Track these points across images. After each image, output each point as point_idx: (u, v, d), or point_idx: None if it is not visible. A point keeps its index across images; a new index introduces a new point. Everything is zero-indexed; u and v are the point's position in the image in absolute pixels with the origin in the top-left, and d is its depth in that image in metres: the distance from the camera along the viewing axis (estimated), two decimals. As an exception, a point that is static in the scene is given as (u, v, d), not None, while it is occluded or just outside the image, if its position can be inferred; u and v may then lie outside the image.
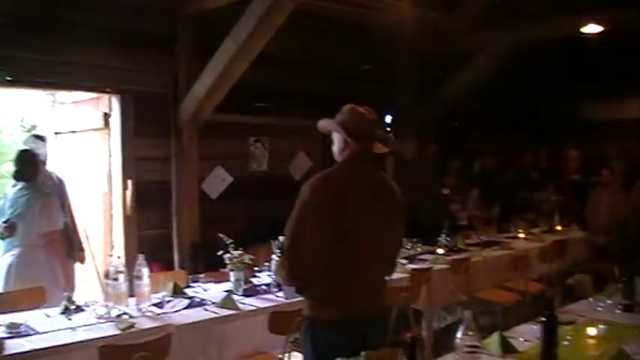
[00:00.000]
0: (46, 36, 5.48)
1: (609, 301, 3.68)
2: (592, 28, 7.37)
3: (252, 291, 4.23)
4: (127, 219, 6.17)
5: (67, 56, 5.65)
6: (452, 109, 8.86)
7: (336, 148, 2.99)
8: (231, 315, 3.76)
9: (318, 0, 6.37)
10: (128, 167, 6.16)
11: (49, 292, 4.23)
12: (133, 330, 3.36)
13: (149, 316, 3.61)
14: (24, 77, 5.52)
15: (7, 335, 3.19)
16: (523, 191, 8.53)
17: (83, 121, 6.58)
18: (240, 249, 4.25)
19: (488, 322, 5.41)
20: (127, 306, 3.71)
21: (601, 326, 3.09)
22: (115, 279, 3.72)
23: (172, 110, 6.39)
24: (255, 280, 4.52)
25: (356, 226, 2.76)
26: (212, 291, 4.26)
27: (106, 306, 3.60)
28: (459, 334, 2.43)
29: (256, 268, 4.71)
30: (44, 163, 5.25)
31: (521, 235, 6.99)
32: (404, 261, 5.24)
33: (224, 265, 4.27)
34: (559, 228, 7.34)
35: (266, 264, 4.74)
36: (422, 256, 5.69)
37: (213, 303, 3.90)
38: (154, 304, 3.80)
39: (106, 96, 6.18)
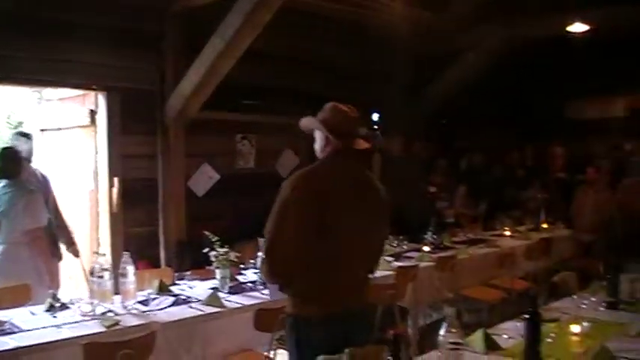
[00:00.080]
0: (32, 34, 5.45)
1: (593, 299, 3.69)
2: (577, 27, 7.40)
3: (237, 288, 4.24)
4: (113, 216, 6.15)
5: (53, 54, 5.62)
6: (441, 106, 8.89)
7: (318, 145, 2.99)
8: (217, 312, 3.77)
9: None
10: (114, 164, 6.13)
11: (34, 290, 4.21)
12: (117, 327, 3.36)
13: (134, 314, 3.61)
14: (11, 74, 5.49)
15: (-9, 333, 3.17)
16: (510, 189, 8.57)
17: (69, 118, 6.54)
18: (227, 246, 4.26)
19: (474, 320, 5.41)
20: (112, 303, 3.71)
21: (585, 324, 3.09)
22: (101, 276, 3.71)
23: (159, 107, 6.37)
24: (241, 278, 4.52)
25: (338, 222, 2.76)
26: (198, 288, 4.27)
27: (91, 303, 3.60)
28: (442, 332, 2.44)
29: (242, 266, 4.71)
30: (28, 160, 5.20)
31: (508, 233, 7.03)
32: (390, 258, 5.27)
33: (210, 263, 4.28)
34: (545, 226, 7.38)
35: (252, 261, 4.74)
36: (408, 254, 5.70)
37: (199, 300, 3.91)
38: (140, 302, 3.80)
39: (92, 93, 6.15)
